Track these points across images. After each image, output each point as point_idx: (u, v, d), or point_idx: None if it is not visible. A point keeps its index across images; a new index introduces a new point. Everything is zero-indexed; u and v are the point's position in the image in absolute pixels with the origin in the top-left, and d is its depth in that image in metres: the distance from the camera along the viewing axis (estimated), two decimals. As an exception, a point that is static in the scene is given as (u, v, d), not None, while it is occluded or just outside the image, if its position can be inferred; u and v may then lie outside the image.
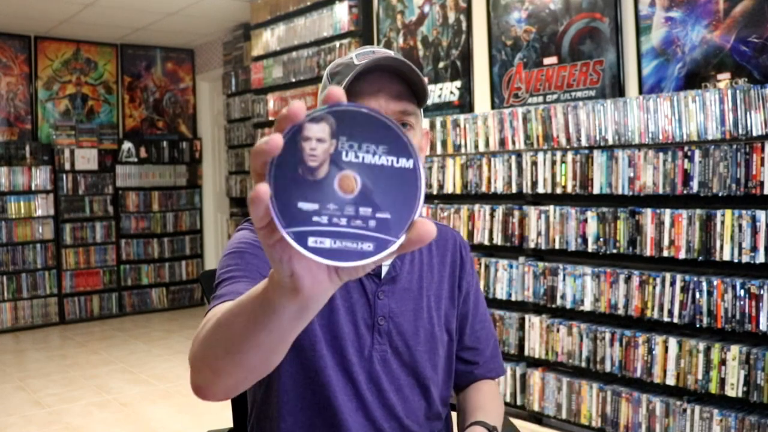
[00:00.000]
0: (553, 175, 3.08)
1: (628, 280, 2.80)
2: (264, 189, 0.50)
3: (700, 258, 2.58)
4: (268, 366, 0.71)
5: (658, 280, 2.70)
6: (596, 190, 2.92)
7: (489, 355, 1.32)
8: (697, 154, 2.59)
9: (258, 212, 0.50)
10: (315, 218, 0.51)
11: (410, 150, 0.54)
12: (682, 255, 2.63)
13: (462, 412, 1.28)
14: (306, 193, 0.51)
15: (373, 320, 1.15)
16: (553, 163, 3.08)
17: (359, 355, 1.13)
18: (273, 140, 0.50)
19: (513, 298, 3.26)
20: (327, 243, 0.51)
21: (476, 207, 3.40)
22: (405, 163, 0.53)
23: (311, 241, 0.50)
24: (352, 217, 0.52)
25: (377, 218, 0.52)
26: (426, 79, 1.08)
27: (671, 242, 2.67)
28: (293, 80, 4.70)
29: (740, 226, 2.48)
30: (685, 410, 2.62)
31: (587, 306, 2.95)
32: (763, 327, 2.41)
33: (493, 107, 3.49)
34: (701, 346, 2.57)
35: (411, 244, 0.53)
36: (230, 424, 1.48)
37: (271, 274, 0.57)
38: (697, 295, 2.58)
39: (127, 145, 6.47)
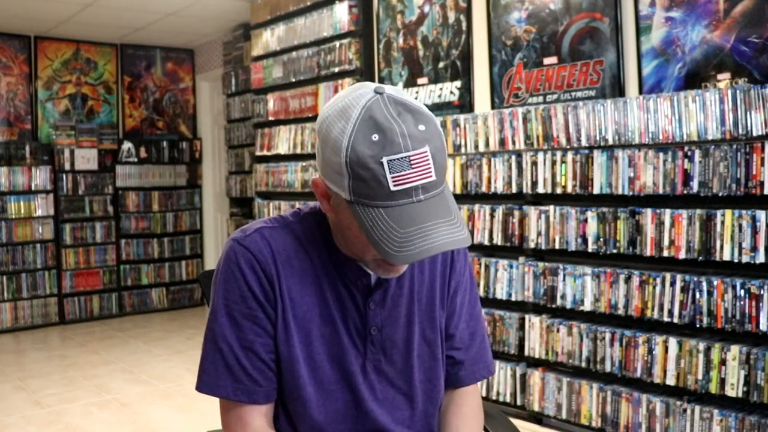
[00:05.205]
0: (553, 175, 3.08)
1: (628, 280, 2.80)
2: None
3: (700, 258, 2.58)
4: None
5: (658, 280, 2.70)
6: (596, 190, 2.91)
7: (474, 355, 1.25)
8: (697, 154, 2.58)
9: None
10: None
11: None
12: (682, 255, 2.63)
13: None
14: None
15: (366, 330, 1.13)
16: (553, 163, 3.07)
17: (356, 365, 1.13)
18: None
19: (513, 298, 3.25)
20: None
21: (476, 207, 3.40)
22: None
23: None
24: None
25: None
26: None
27: (671, 242, 2.66)
28: (293, 80, 4.69)
29: (740, 226, 2.47)
30: (685, 410, 2.62)
31: (587, 306, 2.94)
32: (763, 327, 2.41)
33: (493, 107, 3.49)
34: (701, 346, 2.57)
35: None
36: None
37: None
38: (697, 295, 2.58)
39: (127, 145, 6.47)
